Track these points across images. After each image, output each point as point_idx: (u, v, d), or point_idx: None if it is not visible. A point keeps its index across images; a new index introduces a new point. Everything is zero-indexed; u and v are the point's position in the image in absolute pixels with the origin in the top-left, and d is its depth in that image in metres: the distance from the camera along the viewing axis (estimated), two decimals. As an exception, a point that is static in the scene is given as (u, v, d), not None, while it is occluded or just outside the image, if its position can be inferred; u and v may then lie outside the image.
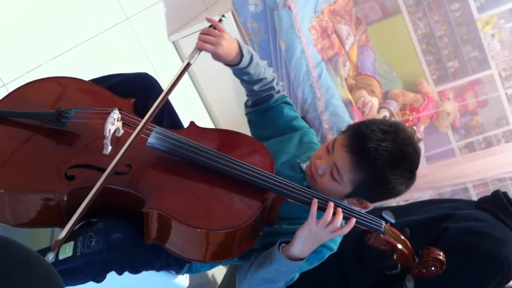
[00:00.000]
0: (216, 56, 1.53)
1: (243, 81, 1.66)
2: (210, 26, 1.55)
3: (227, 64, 1.59)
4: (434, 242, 1.92)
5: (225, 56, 1.53)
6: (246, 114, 1.77)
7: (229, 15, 2.85)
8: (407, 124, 3.24)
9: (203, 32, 1.51)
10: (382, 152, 1.39)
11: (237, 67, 1.58)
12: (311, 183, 1.52)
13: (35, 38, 2.10)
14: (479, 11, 3.03)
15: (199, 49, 1.50)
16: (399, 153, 1.41)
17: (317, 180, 1.49)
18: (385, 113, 3.21)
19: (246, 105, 1.76)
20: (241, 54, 1.55)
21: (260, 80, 1.64)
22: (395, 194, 1.48)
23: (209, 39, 1.50)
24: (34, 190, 1.33)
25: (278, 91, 1.71)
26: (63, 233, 1.25)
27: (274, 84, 1.68)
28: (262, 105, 1.70)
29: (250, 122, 1.77)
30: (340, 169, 1.44)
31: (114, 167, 1.31)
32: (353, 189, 1.46)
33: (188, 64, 1.46)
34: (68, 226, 1.25)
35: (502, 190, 2.11)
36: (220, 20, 1.56)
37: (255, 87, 1.65)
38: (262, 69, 1.63)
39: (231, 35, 1.54)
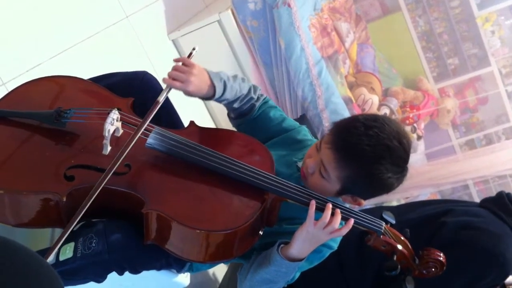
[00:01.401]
0: (187, 94, 1.48)
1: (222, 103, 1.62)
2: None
3: (202, 98, 1.53)
4: (432, 236, 1.93)
5: (197, 92, 1.48)
6: (235, 126, 1.71)
7: (228, 13, 2.84)
8: (407, 122, 3.24)
9: (172, 68, 1.46)
10: (365, 147, 1.36)
11: (213, 99, 1.53)
12: (304, 181, 1.51)
13: (34, 36, 2.09)
14: (478, 8, 3.03)
15: (168, 86, 1.44)
16: (382, 148, 1.37)
17: (308, 179, 1.48)
18: (385, 111, 3.21)
19: (230, 117, 1.71)
20: (213, 85, 1.49)
21: (238, 97, 1.59)
22: (386, 189, 1.45)
23: (178, 76, 1.44)
24: (34, 191, 1.32)
25: (258, 98, 1.65)
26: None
27: (252, 94, 1.62)
28: (247, 116, 1.65)
29: (242, 131, 1.71)
30: (326, 166, 1.42)
31: (113, 169, 1.30)
32: (341, 186, 1.45)
33: (157, 103, 1.40)
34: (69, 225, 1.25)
35: (503, 187, 2.12)
36: (190, 54, 1.51)
37: (235, 105, 1.61)
38: (238, 87, 1.57)
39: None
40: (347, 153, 1.39)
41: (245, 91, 1.60)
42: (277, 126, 1.69)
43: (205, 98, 1.53)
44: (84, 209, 1.26)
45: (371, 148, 1.37)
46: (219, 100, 1.55)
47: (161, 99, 1.42)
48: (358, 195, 1.49)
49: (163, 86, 1.64)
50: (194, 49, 1.52)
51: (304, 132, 1.72)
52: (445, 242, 1.84)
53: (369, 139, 1.37)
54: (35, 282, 0.95)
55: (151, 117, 1.39)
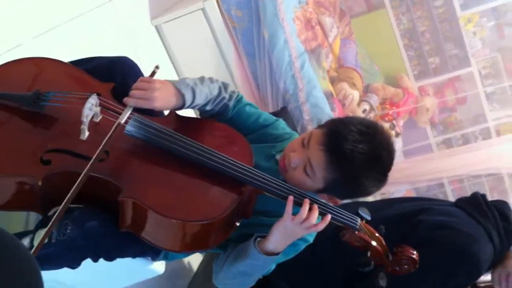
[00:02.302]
0: (156, 109, 1.43)
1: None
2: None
3: (173, 109, 1.51)
4: (408, 234, 1.95)
5: (166, 106, 1.45)
6: None
7: (212, 1, 2.82)
8: (386, 118, 3.26)
9: (133, 88, 1.42)
10: (358, 155, 1.38)
11: (184, 107, 1.49)
12: (283, 174, 1.51)
13: (16, 16, 2.06)
14: (462, 8, 3.06)
15: (132, 106, 1.40)
16: (374, 156, 1.40)
17: (289, 172, 1.49)
18: (365, 107, 3.23)
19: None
20: (181, 94, 1.45)
21: (209, 100, 1.55)
22: (365, 194, 1.49)
23: (140, 94, 1.40)
24: (9, 173, 1.31)
25: (231, 96, 1.60)
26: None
27: (223, 94, 1.58)
28: (222, 116, 1.62)
29: None
30: (314, 166, 1.43)
31: (98, 157, 1.29)
32: (324, 186, 1.46)
33: (119, 124, 1.36)
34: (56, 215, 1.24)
35: (477, 186, 2.15)
36: (153, 73, 1.47)
37: (207, 108, 1.57)
38: (207, 89, 1.52)
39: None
40: (339, 157, 1.40)
41: (215, 92, 1.55)
42: (254, 122, 1.67)
43: (176, 109, 1.50)
44: (71, 199, 1.25)
45: (363, 156, 1.39)
46: (190, 107, 1.52)
47: (123, 120, 1.38)
48: (337, 196, 1.51)
49: (144, 72, 1.63)
50: (157, 67, 1.48)
51: (282, 126, 1.71)
52: (420, 240, 1.87)
53: (362, 146, 1.39)
54: (12, 265, 0.94)
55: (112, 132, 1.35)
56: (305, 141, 1.47)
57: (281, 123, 1.72)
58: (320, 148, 1.42)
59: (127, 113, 1.39)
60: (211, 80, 1.57)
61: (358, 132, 1.40)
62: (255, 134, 1.67)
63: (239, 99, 1.64)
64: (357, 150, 1.38)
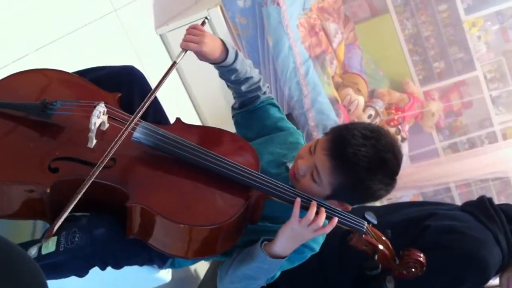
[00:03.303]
0: (202, 55, 1.53)
1: (230, 82, 1.66)
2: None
3: (213, 63, 1.58)
4: (416, 239, 1.94)
5: (211, 54, 1.53)
6: (233, 117, 1.76)
7: (217, 9, 2.84)
8: (392, 123, 3.26)
9: (186, 33, 1.53)
10: (361, 158, 1.38)
11: (224, 63, 1.57)
12: (294, 183, 1.52)
13: (21, 28, 2.07)
14: (466, 12, 3.05)
15: (184, 49, 1.51)
16: (378, 160, 1.40)
17: (299, 181, 1.49)
18: (370, 112, 3.22)
19: (233, 108, 1.76)
20: (226, 50, 1.55)
21: (247, 79, 1.64)
22: (374, 198, 1.49)
23: (192, 38, 1.51)
24: (17, 181, 1.32)
25: (265, 92, 1.70)
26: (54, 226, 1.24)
27: (260, 84, 1.68)
28: (248, 106, 1.69)
29: (236, 123, 1.76)
30: (320, 171, 1.44)
31: (103, 164, 1.30)
32: (332, 192, 1.47)
33: (174, 63, 1.47)
34: (59, 219, 1.24)
35: (484, 190, 2.14)
36: (203, 23, 1.57)
37: (243, 87, 1.64)
38: (248, 67, 1.63)
39: (217, 33, 1.54)
40: (344, 162, 1.40)
41: (256, 78, 1.67)
42: (273, 124, 1.71)
43: (217, 63, 1.57)
44: (73, 204, 1.25)
45: (367, 159, 1.39)
46: (228, 71, 1.60)
47: (178, 60, 1.48)
48: (346, 201, 1.51)
49: (150, 81, 1.64)
50: (206, 18, 1.61)
51: (298, 136, 1.74)
52: (428, 245, 1.86)
53: (366, 149, 1.39)
54: (16, 274, 0.94)
55: (145, 109, 1.40)
56: (312, 148, 1.48)
57: (299, 133, 1.76)
58: (324, 154, 1.43)
59: (180, 56, 1.49)
60: (255, 68, 1.68)
61: (361, 136, 1.41)
62: (269, 137, 1.70)
63: (270, 98, 1.73)
64: (360, 153, 1.38)
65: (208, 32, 1.53)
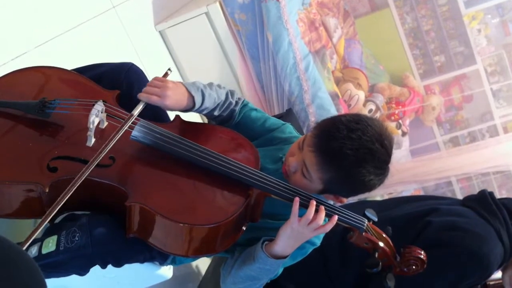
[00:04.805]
0: (166, 108, 1.49)
1: (203, 114, 1.62)
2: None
3: (183, 111, 1.55)
4: (417, 235, 1.94)
5: (177, 106, 1.49)
6: None
7: (216, 5, 2.83)
8: (392, 118, 3.25)
9: (147, 85, 1.48)
10: (347, 151, 1.36)
11: (194, 109, 1.54)
12: (287, 179, 1.50)
13: (20, 25, 2.07)
14: (466, 6, 3.04)
15: (144, 101, 1.45)
16: (365, 151, 1.37)
17: (291, 177, 1.48)
18: (371, 107, 3.22)
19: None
20: (191, 96, 1.50)
21: (217, 105, 1.60)
22: (368, 188, 1.45)
23: (153, 90, 1.46)
24: (16, 181, 1.32)
25: (237, 102, 1.65)
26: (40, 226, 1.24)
27: (230, 99, 1.63)
28: (229, 121, 1.66)
29: None
30: (309, 168, 1.42)
31: (97, 160, 1.30)
32: (324, 186, 1.45)
33: (132, 116, 1.41)
34: (45, 218, 1.24)
35: (486, 184, 2.12)
36: (166, 74, 1.53)
37: (215, 113, 1.61)
38: (215, 94, 1.58)
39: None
40: (330, 157, 1.39)
41: (223, 97, 1.61)
42: (261, 127, 1.68)
43: (185, 110, 1.53)
44: (64, 199, 1.25)
45: (353, 152, 1.37)
46: (199, 110, 1.56)
47: (136, 112, 1.42)
48: (340, 195, 1.50)
49: (150, 77, 1.64)
50: (169, 69, 1.55)
51: (289, 130, 1.71)
52: (430, 241, 1.85)
53: (351, 142, 1.37)
54: (15, 274, 0.94)
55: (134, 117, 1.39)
56: (300, 144, 1.47)
57: (288, 127, 1.72)
58: (310, 150, 1.41)
59: (139, 108, 1.43)
60: (219, 86, 1.63)
61: (346, 129, 1.38)
62: (262, 139, 1.67)
63: (245, 105, 1.67)
64: (346, 147, 1.36)
65: (170, 82, 1.49)
